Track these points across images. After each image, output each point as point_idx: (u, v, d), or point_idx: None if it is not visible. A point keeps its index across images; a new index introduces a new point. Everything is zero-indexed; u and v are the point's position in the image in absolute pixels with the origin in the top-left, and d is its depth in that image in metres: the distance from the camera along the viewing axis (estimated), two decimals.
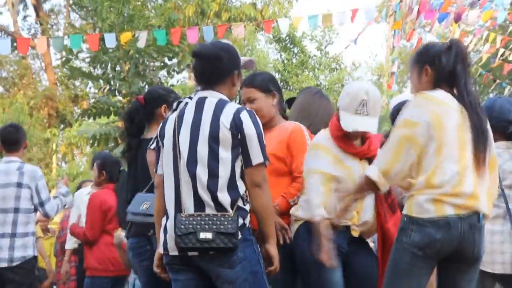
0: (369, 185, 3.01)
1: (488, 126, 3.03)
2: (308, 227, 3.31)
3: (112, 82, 13.47)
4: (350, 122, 3.32)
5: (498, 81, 12.25)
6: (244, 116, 2.95)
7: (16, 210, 4.84)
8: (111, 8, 12.94)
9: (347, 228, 3.37)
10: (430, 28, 13.01)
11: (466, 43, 11.68)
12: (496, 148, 3.80)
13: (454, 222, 2.85)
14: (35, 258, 4.94)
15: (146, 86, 14.10)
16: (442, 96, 2.98)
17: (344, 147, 3.39)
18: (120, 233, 4.62)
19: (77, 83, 20.81)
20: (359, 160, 3.39)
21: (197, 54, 3.09)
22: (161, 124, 3.14)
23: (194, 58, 3.11)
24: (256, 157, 2.94)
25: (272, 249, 3.01)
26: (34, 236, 4.94)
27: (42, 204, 4.90)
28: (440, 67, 3.03)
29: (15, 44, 10.39)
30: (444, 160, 2.89)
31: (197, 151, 2.93)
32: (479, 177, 2.94)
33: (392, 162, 2.93)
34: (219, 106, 2.97)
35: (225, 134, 2.91)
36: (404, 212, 2.96)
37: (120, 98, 13.62)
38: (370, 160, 3.32)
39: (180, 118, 3.04)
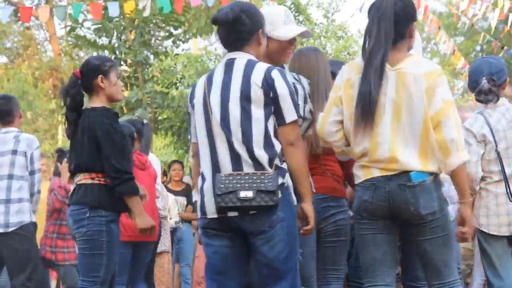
0: None
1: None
2: None
3: (117, 52, 13.41)
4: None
5: (505, 47, 12.12)
6: (275, 74, 2.94)
7: (10, 177, 4.87)
8: None
9: None
10: None
11: (475, 10, 11.53)
12: (484, 108, 3.82)
13: (380, 182, 2.94)
14: (33, 224, 4.95)
15: (152, 56, 14.06)
16: (359, 62, 2.99)
17: None
18: None
19: (81, 54, 20.72)
20: None
21: (215, 20, 3.04)
22: (191, 89, 3.14)
23: (213, 24, 3.07)
24: (290, 115, 2.94)
25: (309, 207, 3.01)
26: (29, 202, 4.93)
27: (33, 172, 4.92)
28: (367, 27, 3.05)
29: (18, 14, 10.31)
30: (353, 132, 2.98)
31: (229, 111, 2.93)
32: (400, 140, 2.93)
33: (321, 126, 3.11)
34: (249, 66, 2.97)
35: (256, 92, 2.91)
36: None
37: (126, 67, 13.56)
38: None
39: (209, 80, 3.03)
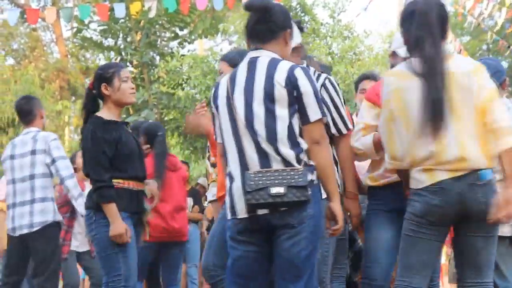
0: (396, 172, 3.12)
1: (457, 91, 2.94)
2: None
3: (123, 53, 13.43)
4: None
5: (511, 47, 12.07)
6: (299, 73, 2.90)
7: (32, 177, 4.91)
8: None
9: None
10: None
11: (481, 8, 11.49)
12: None
13: (449, 185, 2.89)
14: (56, 223, 4.95)
15: (158, 57, 14.08)
16: (405, 68, 2.97)
17: None
18: None
19: (87, 55, 20.79)
20: None
21: (249, 6, 3.02)
22: (213, 90, 3.10)
23: (246, 10, 3.04)
24: (314, 114, 2.90)
25: (337, 207, 2.97)
26: (53, 202, 4.96)
27: (53, 161, 4.90)
28: (405, 31, 3.03)
29: (25, 16, 10.35)
30: (415, 137, 2.92)
31: (253, 111, 2.89)
32: (466, 139, 2.92)
33: (392, 146, 3.01)
34: (272, 65, 2.92)
35: (280, 92, 2.87)
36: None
37: (132, 69, 13.58)
38: None
39: (232, 80, 2.98)
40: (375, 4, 34.66)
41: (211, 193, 4.62)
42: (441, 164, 2.90)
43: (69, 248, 6.18)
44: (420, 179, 2.94)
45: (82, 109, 4.02)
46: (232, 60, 3.80)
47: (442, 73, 2.92)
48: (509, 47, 11.93)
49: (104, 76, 3.91)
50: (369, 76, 4.80)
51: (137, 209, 3.92)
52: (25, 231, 4.86)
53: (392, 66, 3.78)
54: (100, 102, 4.01)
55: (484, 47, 17.37)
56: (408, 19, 3.02)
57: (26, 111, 5.07)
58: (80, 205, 4.95)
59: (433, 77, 2.91)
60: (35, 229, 4.84)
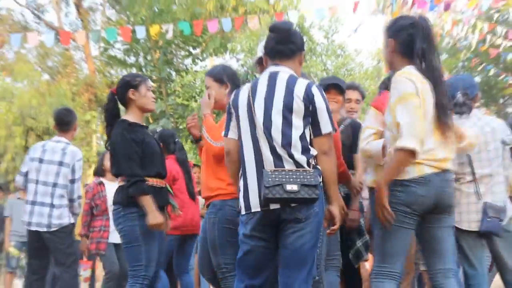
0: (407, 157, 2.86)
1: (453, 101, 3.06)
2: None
3: (144, 70, 13.55)
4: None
5: (484, 64, 12.11)
6: (315, 90, 2.94)
7: (55, 185, 4.97)
8: (143, 4, 12.97)
9: None
10: None
11: (457, 31, 11.54)
12: (459, 118, 3.85)
13: (432, 179, 2.93)
14: (72, 224, 5.07)
15: (174, 73, 14.19)
16: (417, 71, 2.97)
17: None
18: None
19: (113, 72, 20.87)
20: None
21: (275, 28, 3.06)
22: (232, 96, 3.09)
23: (271, 32, 3.07)
24: (326, 127, 2.94)
25: (335, 209, 3.00)
26: (67, 208, 5.02)
27: (73, 181, 5.01)
28: (404, 41, 3.00)
29: (59, 38, 10.48)
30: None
31: (271, 119, 2.90)
32: (447, 144, 3.01)
33: (423, 130, 2.88)
34: (292, 80, 2.96)
35: (299, 104, 2.89)
36: None
37: (151, 83, 13.69)
38: None
39: (253, 88, 3.00)
40: (365, 26, 34.75)
41: None
42: (431, 160, 2.93)
43: (105, 245, 6.20)
44: (407, 170, 2.91)
45: (105, 112, 3.97)
46: (217, 75, 3.76)
47: (443, 84, 2.97)
48: (481, 64, 11.97)
49: (131, 83, 3.89)
50: (352, 86, 4.73)
51: (161, 203, 3.84)
52: (43, 229, 4.93)
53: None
54: (121, 107, 3.97)
55: (460, 64, 17.39)
56: (405, 30, 3.00)
57: (66, 122, 5.09)
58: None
59: (440, 85, 2.95)
60: (52, 229, 4.94)
